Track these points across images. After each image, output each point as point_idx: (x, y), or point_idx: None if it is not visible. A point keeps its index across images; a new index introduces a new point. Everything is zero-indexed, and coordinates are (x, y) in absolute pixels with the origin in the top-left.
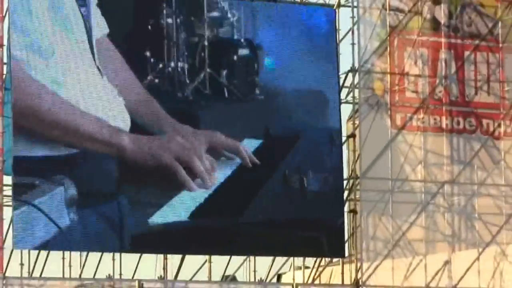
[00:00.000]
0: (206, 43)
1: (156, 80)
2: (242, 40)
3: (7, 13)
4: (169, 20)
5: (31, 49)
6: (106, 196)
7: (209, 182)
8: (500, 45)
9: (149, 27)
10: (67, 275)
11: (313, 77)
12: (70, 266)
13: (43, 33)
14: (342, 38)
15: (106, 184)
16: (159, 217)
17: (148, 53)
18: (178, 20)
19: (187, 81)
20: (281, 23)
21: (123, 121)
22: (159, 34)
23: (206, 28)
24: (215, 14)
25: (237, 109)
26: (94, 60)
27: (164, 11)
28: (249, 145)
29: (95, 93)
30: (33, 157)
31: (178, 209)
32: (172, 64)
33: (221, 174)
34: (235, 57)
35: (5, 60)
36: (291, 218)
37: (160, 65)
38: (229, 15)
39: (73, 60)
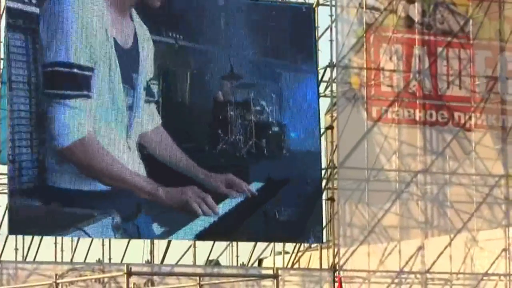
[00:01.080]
0: (253, 124)
1: (224, 146)
2: (274, 122)
3: (4, 11)
4: (231, 113)
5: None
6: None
7: (212, 213)
8: (471, 41)
9: (220, 117)
10: (59, 260)
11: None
12: (62, 251)
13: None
14: (321, 35)
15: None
16: (177, 235)
17: (219, 131)
18: (237, 112)
19: (242, 146)
20: (299, 109)
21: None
22: (226, 120)
23: (253, 116)
24: (258, 108)
25: (267, 163)
26: (127, 141)
27: (228, 109)
28: (255, 186)
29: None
30: (94, 191)
31: (190, 230)
32: (234, 137)
33: (226, 206)
34: (270, 132)
35: (2, 56)
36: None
37: (227, 138)
38: (266, 108)
39: (114, 143)
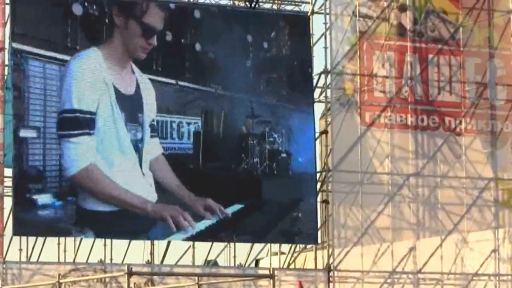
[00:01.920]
0: (266, 151)
1: (245, 166)
2: (283, 150)
3: (8, 19)
4: (251, 142)
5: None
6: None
7: (190, 229)
8: (461, 48)
9: (243, 144)
10: (62, 260)
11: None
12: (65, 251)
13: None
14: (316, 43)
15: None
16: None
17: (243, 155)
18: (255, 142)
19: (258, 167)
20: (302, 141)
21: (152, 197)
22: (247, 147)
23: (267, 145)
24: (271, 139)
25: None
26: (141, 168)
27: (249, 139)
28: (236, 207)
29: (136, 184)
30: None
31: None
32: (252, 160)
33: (203, 224)
34: (279, 157)
35: (6, 62)
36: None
37: (247, 160)
38: (277, 139)
39: (126, 170)
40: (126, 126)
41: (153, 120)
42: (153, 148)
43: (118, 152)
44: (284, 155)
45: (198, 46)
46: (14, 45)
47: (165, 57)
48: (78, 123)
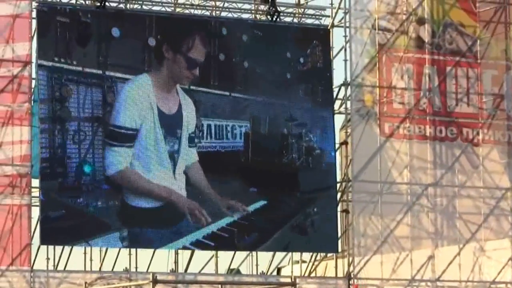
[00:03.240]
0: (303, 148)
1: (286, 160)
2: (317, 146)
3: (35, 33)
4: (291, 141)
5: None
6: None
7: (204, 223)
8: (479, 61)
9: (284, 143)
10: (88, 268)
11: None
12: (91, 260)
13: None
14: (336, 55)
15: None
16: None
17: (284, 152)
18: (294, 141)
19: (297, 161)
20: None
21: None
22: (288, 145)
23: (304, 143)
24: (307, 138)
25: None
26: (174, 174)
27: (289, 138)
28: (259, 203)
29: (168, 184)
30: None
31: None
32: (292, 155)
33: (225, 221)
34: (314, 153)
35: (33, 76)
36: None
37: (287, 155)
38: (312, 138)
39: (161, 174)
40: (165, 140)
41: (192, 133)
42: (190, 156)
43: (155, 161)
44: (318, 151)
45: (246, 64)
46: (107, 72)
47: (220, 74)
48: (121, 137)
